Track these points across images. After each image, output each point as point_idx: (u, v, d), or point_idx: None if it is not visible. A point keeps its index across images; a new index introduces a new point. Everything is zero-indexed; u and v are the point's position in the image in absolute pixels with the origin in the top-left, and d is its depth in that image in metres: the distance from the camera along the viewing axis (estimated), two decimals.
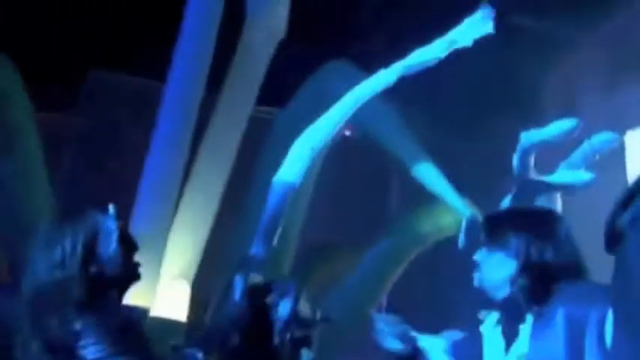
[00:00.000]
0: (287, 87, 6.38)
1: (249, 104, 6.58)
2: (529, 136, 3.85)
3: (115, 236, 2.89)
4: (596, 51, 6.42)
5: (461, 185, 6.01)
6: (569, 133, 3.84)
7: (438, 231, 6.62)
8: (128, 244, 2.95)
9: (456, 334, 3.10)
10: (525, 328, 2.81)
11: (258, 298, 3.09)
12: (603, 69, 6.33)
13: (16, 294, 2.88)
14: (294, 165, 4.16)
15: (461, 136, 6.82)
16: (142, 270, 3.02)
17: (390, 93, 5.75)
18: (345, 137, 6.64)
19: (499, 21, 4.08)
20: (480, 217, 4.34)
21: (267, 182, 6.00)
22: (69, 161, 6.75)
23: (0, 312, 3.02)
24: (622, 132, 6.11)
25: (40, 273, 2.86)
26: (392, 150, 6.03)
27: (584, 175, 3.75)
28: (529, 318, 2.80)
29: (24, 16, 6.75)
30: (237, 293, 3.10)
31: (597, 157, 4.05)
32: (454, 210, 5.82)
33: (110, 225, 2.92)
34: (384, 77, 4.22)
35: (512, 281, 2.83)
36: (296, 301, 3.08)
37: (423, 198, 6.27)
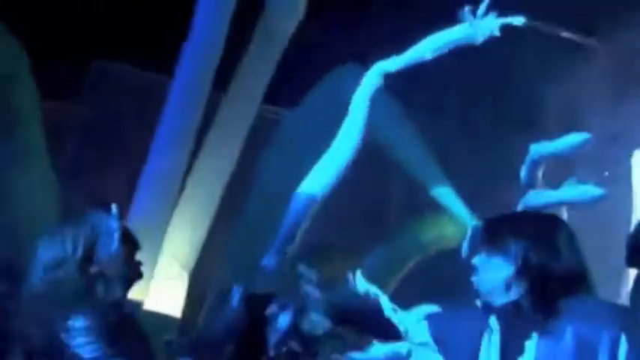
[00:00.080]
0: (295, 88, 6.36)
1: (259, 96, 6.54)
2: (539, 148, 3.81)
3: (116, 235, 2.89)
4: (603, 64, 6.39)
5: (463, 195, 6.00)
6: (580, 147, 3.79)
7: (440, 239, 6.59)
8: (130, 243, 2.94)
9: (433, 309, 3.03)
10: (530, 344, 2.74)
11: (257, 307, 3.06)
12: (610, 83, 6.31)
13: (16, 292, 2.86)
14: (320, 178, 4.11)
15: (464, 145, 6.79)
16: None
17: (395, 98, 5.74)
18: None
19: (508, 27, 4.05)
20: None
21: (269, 182, 6.00)
22: (71, 150, 6.71)
23: None
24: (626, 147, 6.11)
25: (40, 272, 2.86)
26: (400, 156, 6.01)
27: (593, 191, 3.70)
28: (533, 333, 2.73)
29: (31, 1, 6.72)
30: (236, 301, 3.06)
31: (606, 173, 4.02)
32: (457, 219, 5.80)
33: (112, 224, 2.91)
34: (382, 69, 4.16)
35: (509, 285, 2.78)
36: (296, 314, 3.05)
37: (426, 205, 6.25)
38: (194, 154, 6.41)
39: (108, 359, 2.72)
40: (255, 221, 5.83)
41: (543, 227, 2.91)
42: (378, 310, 3.10)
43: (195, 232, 6.40)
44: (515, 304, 2.78)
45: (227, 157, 6.52)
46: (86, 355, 2.71)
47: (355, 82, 5.59)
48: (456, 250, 5.85)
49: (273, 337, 2.99)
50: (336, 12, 6.65)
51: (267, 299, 3.09)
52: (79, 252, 2.83)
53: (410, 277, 6.76)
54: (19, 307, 2.83)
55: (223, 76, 6.40)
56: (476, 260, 2.92)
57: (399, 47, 4.38)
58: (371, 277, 6.92)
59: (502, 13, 3.89)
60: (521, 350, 2.75)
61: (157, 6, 6.95)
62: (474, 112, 7.03)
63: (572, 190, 3.74)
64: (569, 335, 2.63)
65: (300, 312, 3.05)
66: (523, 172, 3.88)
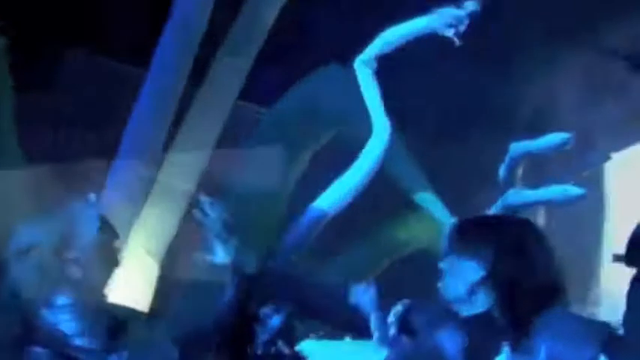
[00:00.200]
0: (276, 86, 6.34)
1: (235, 92, 6.49)
2: (518, 147, 3.82)
3: (95, 224, 2.87)
4: (573, 68, 6.44)
5: (439, 195, 5.98)
6: (560, 147, 3.81)
7: (415, 240, 6.56)
8: (108, 232, 2.93)
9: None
10: None
11: (250, 305, 3.04)
12: (580, 86, 6.36)
13: None
14: (336, 196, 4.15)
15: (437, 144, 6.80)
16: None
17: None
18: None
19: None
20: None
21: (244, 179, 5.97)
22: (47, 140, 6.65)
23: None
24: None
25: (14, 258, 2.85)
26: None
27: (573, 190, 3.72)
28: (504, 350, 2.60)
29: None
30: (229, 296, 3.04)
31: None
32: (433, 219, 5.78)
33: (90, 213, 2.90)
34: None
35: (476, 293, 2.67)
36: (289, 317, 3.03)
37: (401, 205, 6.24)
38: (167, 146, 6.36)
39: (91, 339, 2.72)
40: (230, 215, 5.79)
41: (516, 234, 2.78)
42: (348, 305, 3.04)
43: (165, 224, 6.34)
44: (484, 317, 2.67)
45: (200, 152, 6.47)
46: (69, 332, 2.71)
47: (337, 82, 5.61)
48: (431, 251, 5.87)
49: (262, 336, 2.97)
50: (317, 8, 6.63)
51: (264, 298, 3.08)
52: (55, 238, 2.82)
53: (384, 277, 6.75)
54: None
55: (199, 70, 6.35)
56: (443, 264, 2.81)
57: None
58: (344, 277, 6.95)
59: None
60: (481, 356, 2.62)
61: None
62: (447, 113, 7.04)
63: (552, 190, 3.76)
64: (543, 355, 2.51)
65: (292, 315, 3.03)
66: (502, 171, 3.89)
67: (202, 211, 3.09)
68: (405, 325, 2.82)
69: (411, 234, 6.61)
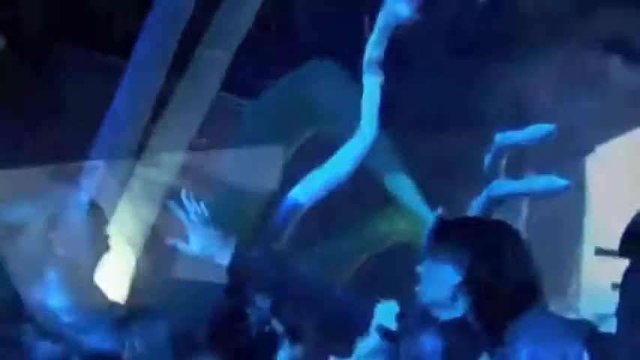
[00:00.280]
0: (256, 77, 6.32)
1: (217, 83, 6.46)
2: (504, 137, 3.82)
3: (84, 210, 2.87)
4: (550, 65, 6.45)
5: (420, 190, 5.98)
6: (546, 138, 3.82)
7: (394, 234, 6.56)
8: (98, 217, 2.94)
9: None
10: None
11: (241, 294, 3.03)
12: (562, 79, 6.37)
13: None
14: (311, 187, 4.13)
15: (420, 138, 6.80)
16: None
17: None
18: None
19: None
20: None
21: (226, 171, 5.95)
22: (33, 132, 6.61)
23: None
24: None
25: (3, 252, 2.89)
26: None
27: (558, 181, 3.72)
28: (483, 356, 2.60)
29: None
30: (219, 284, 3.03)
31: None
32: (413, 213, 5.77)
33: (79, 199, 2.98)
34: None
35: (454, 297, 2.66)
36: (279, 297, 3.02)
37: (381, 199, 6.23)
38: (147, 135, 6.32)
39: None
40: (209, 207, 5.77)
41: (493, 238, 2.76)
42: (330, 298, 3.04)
43: (143, 216, 6.31)
44: (460, 321, 2.66)
45: (180, 144, 6.44)
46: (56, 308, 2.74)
47: (327, 78, 5.60)
48: (410, 245, 5.87)
49: (254, 315, 2.97)
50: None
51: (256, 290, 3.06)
52: (41, 217, 2.83)
53: (362, 270, 6.75)
54: None
55: (180, 61, 6.31)
56: (420, 268, 2.80)
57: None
58: (323, 270, 6.94)
59: None
60: None
61: None
62: (428, 107, 7.04)
63: (537, 180, 3.76)
64: (524, 359, 2.48)
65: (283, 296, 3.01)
66: (487, 161, 3.89)
67: (179, 202, 3.07)
68: (386, 331, 2.82)
69: (392, 227, 6.59)
